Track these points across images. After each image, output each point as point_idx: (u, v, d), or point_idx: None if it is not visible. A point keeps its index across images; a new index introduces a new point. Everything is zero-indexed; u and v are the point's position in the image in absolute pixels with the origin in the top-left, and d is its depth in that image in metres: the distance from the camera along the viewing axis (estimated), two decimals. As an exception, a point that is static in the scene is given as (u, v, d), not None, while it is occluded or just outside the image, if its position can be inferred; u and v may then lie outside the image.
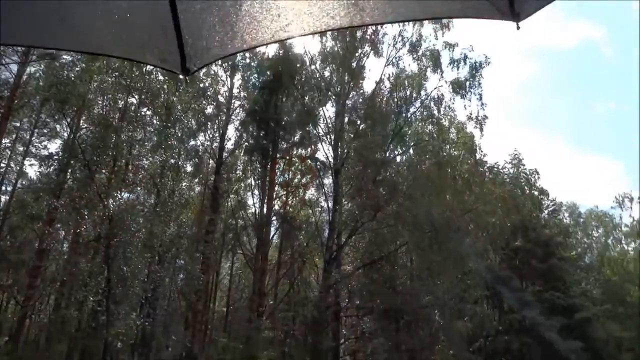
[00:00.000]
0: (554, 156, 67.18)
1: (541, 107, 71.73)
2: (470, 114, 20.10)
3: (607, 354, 27.03)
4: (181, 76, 1.92)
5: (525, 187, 31.16)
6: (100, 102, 15.34)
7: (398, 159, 20.56)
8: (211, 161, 19.34)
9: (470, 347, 24.68)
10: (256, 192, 18.32)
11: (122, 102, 15.48)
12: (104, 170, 14.17)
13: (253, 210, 18.68)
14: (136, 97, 15.64)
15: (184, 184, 17.20)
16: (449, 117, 22.70)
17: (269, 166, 17.80)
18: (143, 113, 15.80)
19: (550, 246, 28.30)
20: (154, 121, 16.08)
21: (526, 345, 25.80)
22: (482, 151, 25.75)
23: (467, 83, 19.24)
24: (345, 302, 18.51)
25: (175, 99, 15.18)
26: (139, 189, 15.49)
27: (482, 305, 26.65)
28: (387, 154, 19.03)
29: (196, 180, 18.92)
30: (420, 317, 18.22)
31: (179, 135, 16.60)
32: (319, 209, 20.61)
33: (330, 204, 18.64)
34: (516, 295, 25.93)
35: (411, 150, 21.11)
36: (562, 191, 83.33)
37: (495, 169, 26.63)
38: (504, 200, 22.45)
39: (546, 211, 34.35)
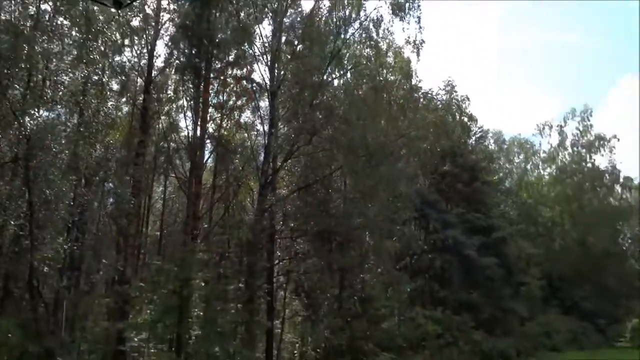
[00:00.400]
0: (484, 84, 69.41)
1: (476, 34, 72.89)
2: (408, 37, 19.94)
3: (518, 269, 29.82)
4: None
5: (456, 114, 32.18)
6: (7, 7, 13.62)
7: (335, 82, 20.30)
8: (139, 79, 18.13)
9: (397, 265, 26.30)
10: (189, 113, 17.50)
11: (34, 9, 13.83)
12: (17, 86, 12.90)
13: (186, 132, 17.98)
14: (50, 4, 14.04)
15: (109, 103, 16.10)
16: (387, 40, 22.50)
17: (202, 87, 16.92)
18: (59, 22, 14.24)
19: (475, 171, 29.93)
20: (73, 33, 14.59)
21: (448, 262, 27.87)
22: (417, 77, 26.05)
23: (407, 5, 18.89)
24: (280, 225, 18.84)
25: (96, 8, 13.76)
26: (59, 107, 14.33)
27: (409, 226, 28.11)
28: (325, 77, 18.68)
29: (123, 99, 17.75)
30: (352, 238, 18.96)
31: (102, 49, 15.30)
32: (255, 133, 20.26)
33: (266, 128, 18.35)
34: (441, 217, 27.57)
35: (349, 74, 20.89)
36: (489, 118, 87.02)
37: (429, 95, 27.14)
38: (436, 126, 23.15)
39: (473, 137, 35.88)
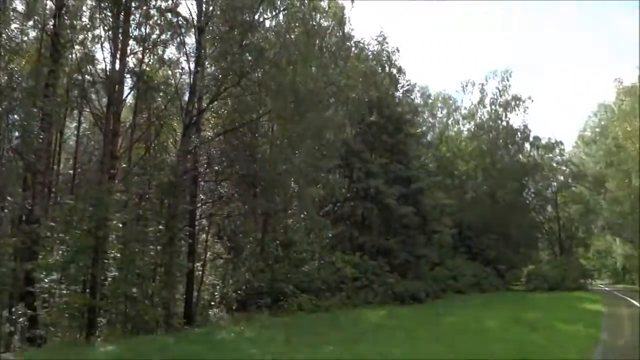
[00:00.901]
0: (414, 39, 70.20)
1: (410, -14, 72.71)
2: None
3: (432, 217, 31.56)
4: None
5: (386, 65, 32.46)
6: None
7: (267, 23, 19.55)
8: (49, 2, 16.37)
9: (320, 211, 26.89)
10: (107, 45, 16.18)
11: None
12: None
13: (103, 65, 16.67)
14: None
15: (13, 26, 14.47)
16: (321, -19, 21.89)
17: (122, 16, 15.60)
18: None
19: (400, 123, 30.69)
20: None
21: (369, 210, 28.86)
22: (350, 25, 25.77)
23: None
24: (203, 168, 18.44)
25: None
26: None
27: (334, 174, 28.61)
28: (256, 17, 17.93)
29: (30, 22, 16.00)
30: (277, 183, 19.00)
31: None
32: (180, 71, 19.23)
33: (192, 66, 17.48)
34: (365, 166, 28.28)
35: (281, 16, 20.18)
36: (417, 73, 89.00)
37: (361, 44, 27.04)
38: (366, 76, 23.26)
39: (401, 90, 36.52)
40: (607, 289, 50.56)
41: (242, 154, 17.83)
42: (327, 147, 22.43)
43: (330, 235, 26.61)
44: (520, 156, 47.63)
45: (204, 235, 19.74)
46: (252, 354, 9.76)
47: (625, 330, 15.81)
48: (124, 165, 16.63)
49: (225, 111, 18.76)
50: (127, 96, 17.11)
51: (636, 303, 27.34)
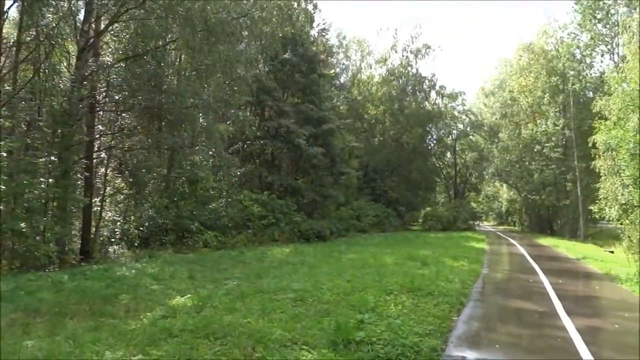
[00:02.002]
0: (333, -25, 68.33)
1: None
2: None
3: (340, 159, 32.27)
4: None
5: (302, 1, 31.55)
6: None
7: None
8: None
9: (229, 149, 26.39)
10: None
11: None
12: None
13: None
14: None
15: None
16: None
17: None
18: None
19: (313, 63, 30.37)
20: None
21: (279, 149, 28.86)
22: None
23: None
24: (102, 96, 17.05)
25: None
26: None
27: (245, 111, 27.97)
28: None
29: None
30: (184, 117, 18.15)
31: None
32: (74, -16, 17.18)
33: (88, -20, 15.69)
34: (277, 105, 27.92)
35: None
36: (333, 14, 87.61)
37: (277, -24, 25.80)
38: (280, 10, 22.37)
39: (316, 28, 35.90)
40: (492, 229, 55.94)
41: (145, 83, 16.65)
42: (237, 83, 21.62)
43: (238, 173, 26.35)
44: (427, 103, 49.61)
45: (103, 169, 18.58)
46: (153, 290, 9.58)
47: (502, 266, 17.68)
48: (8, 88, 14.88)
49: (127, 35, 17.23)
50: (9, 8, 15.06)
51: (514, 242, 30.56)
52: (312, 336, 6.11)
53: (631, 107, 18.93)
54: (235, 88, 22.07)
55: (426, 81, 48.90)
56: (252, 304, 7.99)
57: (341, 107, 42.82)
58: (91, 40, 15.52)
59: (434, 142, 53.60)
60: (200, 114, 19.92)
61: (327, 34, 38.95)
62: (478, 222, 54.52)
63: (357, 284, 10.15)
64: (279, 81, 28.91)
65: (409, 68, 48.21)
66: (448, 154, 57.59)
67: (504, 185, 57.10)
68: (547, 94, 38.87)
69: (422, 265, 14.18)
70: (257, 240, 22.93)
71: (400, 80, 47.75)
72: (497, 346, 6.47)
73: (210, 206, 22.51)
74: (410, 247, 21.94)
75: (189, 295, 8.86)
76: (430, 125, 50.00)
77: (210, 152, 22.01)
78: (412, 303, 8.45)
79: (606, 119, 21.55)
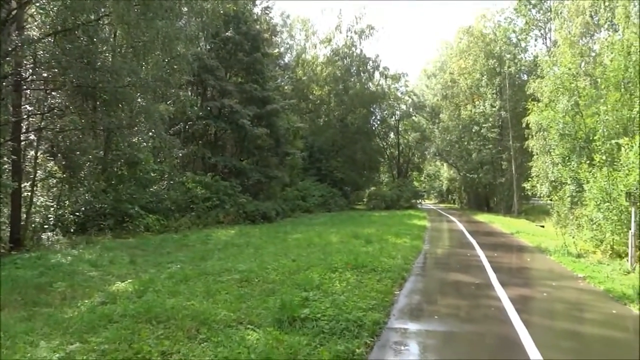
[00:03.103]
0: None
1: None
2: None
3: (285, 140, 32.13)
4: None
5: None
6: None
7: None
8: None
9: (170, 130, 25.62)
10: None
11: None
12: None
13: None
14: None
15: None
16: None
17: None
18: None
19: (257, 41, 29.79)
20: None
21: (222, 129, 28.32)
22: None
23: None
24: (29, 73, 15.95)
25: None
26: None
27: (186, 90, 27.18)
28: None
29: None
30: (121, 97, 17.34)
31: None
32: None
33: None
34: (219, 84, 27.27)
35: None
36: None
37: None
38: (221, -15, 21.73)
39: (259, 6, 35.20)
40: (433, 207, 57.89)
41: (77, 60, 15.69)
42: (177, 61, 20.84)
43: (180, 154, 25.66)
44: (370, 84, 50.13)
45: (33, 151, 17.50)
46: (91, 277, 9.21)
47: (442, 241, 18.38)
48: None
49: (55, 8, 16.13)
50: None
51: (453, 219, 31.78)
52: (257, 315, 6.11)
53: (561, 89, 19.95)
54: (175, 66, 21.25)
55: (370, 62, 49.33)
56: (196, 287, 7.86)
57: (285, 88, 42.49)
58: (14, 12, 14.42)
59: (378, 122, 54.38)
60: (139, 94, 19.11)
61: (270, 12, 38.33)
62: (420, 200, 56.22)
63: (302, 263, 10.22)
64: (221, 60, 28.19)
65: (353, 49, 48.45)
66: (391, 135, 58.67)
67: (445, 164, 59.06)
68: (485, 76, 40.31)
69: (366, 243, 14.47)
70: (202, 222, 22.53)
71: (345, 61, 47.91)
72: (436, 317, 6.75)
73: (151, 189, 21.81)
74: (355, 225, 22.32)
75: (130, 280, 8.60)
76: (374, 105, 50.62)
77: (150, 133, 21.22)
78: (356, 279, 8.62)
79: (538, 101, 22.66)
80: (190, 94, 27.20)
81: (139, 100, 19.29)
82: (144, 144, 21.52)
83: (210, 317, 5.87)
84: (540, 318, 6.90)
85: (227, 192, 25.17)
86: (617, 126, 16.74)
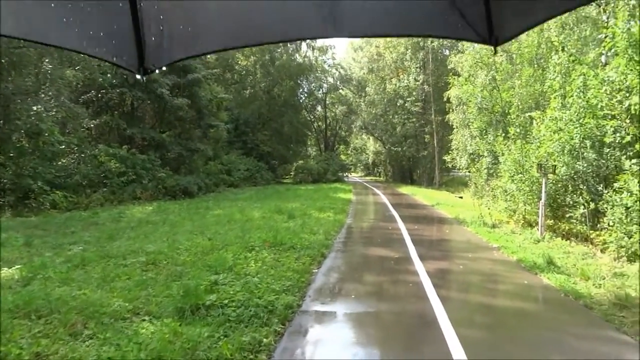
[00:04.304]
0: None
1: None
2: None
3: (208, 111, 30.79)
4: (138, 76, 1.85)
5: None
6: None
7: None
8: None
9: (80, 98, 23.66)
10: None
11: None
12: None
13: None
14: None
15: None
16: None
17: None
18: None
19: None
20: None
21: (139, 99, 26.58)
22: None
23: None
24: None
25: None
26: None
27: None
28: None
29: None
30: (18, 59, 15.57)
31: None
32: None
33: None
34: (135, 51, 25.39)
35: None
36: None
37: None
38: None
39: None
40: (360, 180, 58.77)
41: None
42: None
43: (92, 125, 23.82)
44: (297, 56, 49.21)
45: None
46: (-26, 262, 8.10)
47: (365, 215, 18.43)
48: None
49: None
50: None
51: (378, 191, 32.27)
52: (157, 304, 5.51)
53: (480, 64, 20.41)
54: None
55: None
56: (94, 272, 7.09)
57: (208, 57, 40.61)
58: None
59: (306, 95, 53.80)
60: (42, 57, 17.28)
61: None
62: (347, 173, 56.82)
63: (218, 241, 9.66)
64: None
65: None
66: (319, 108, 58.37)
67: (371, 137, 59.77)
68: (410, 50, 40.77)
69: (288, 218, 14.11)
70: (117, 199, 21.11)
71: (271, 31, 46.50)
72: (353, 296, 6.49)
73: (58, 163, 20.05)
74: (280, 200, 21.91)
75: (19, 266, 7.63)
76: (301, 78, 49.87)
77: (57, 103, 19.36)
78: (273, 258, 8.22)
79: (459, 75, 23.15)
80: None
81: (43, 64, 17.48)
82: (47, 113, 19.62)
83: (101, 309, 5.21)
84: (457, 292, 6.89)
85: (144, 166, 23.75)
86: (530, 101, 17.42)
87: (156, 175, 23.87)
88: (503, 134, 16.18)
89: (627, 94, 8.77)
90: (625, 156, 8.96)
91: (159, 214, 16.49)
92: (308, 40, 49.43)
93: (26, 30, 1.81)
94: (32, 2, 1.68)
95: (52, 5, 1.69)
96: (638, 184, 8.11)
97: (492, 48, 1.83)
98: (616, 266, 8.02)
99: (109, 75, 24.41)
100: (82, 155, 22.18)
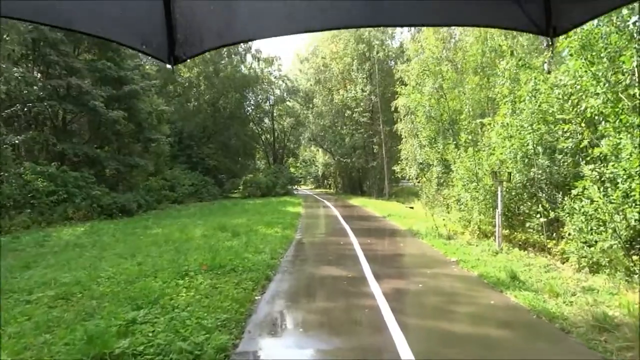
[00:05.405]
0: None
1: None
2: None
3: (148, 124, 29.15)
4: (168, 65, 1.82)
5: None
6: None
7: None
8: None
9: (4, 112, 21.74)
10: None
11: None
12: None
13: None
14: None
15: None
16: None
17: None
18: None
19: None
20: None
21: (70, 112, 24.77)
22: None
23: None
24: None
25: None
26: None
27: (23, 66, 23.20)
28: None
29: None
30: None
31: None
32: None
33: None
34: (64, 61, 23.64)
35: None
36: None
37: None
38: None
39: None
40: (310, 192, 58.04)
41: None
42: (7, 30, 17.37)
43: (16, 142, 21.81)
44: (243, 67, 48.17)
45: None
46: None
47: (315, 229, 17.55)
48: None
49: None
50: None
51: (328, 204, 31.58)
52: (52, 356, 4.38)
53: (427, 72, 20.21)
54: (6, 37, 17.72)
55: (241, 44, 47.25)
56: (-13, 312, 5.82)
57: (147, 68, 38.83)
58: None
59: (252, 107, 52.67)
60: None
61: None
62: (296, 186, 55.93)
63: (148, 266, 8.50)
64: (67, 34, 24.41)
65: (224, 29, 45.93)
66: (266, 120, 57.30)
67: (320, 149, 59.29)
68: (356, 61, 40.66)
69: (232, 236, 13.05)
70: (45, 220, 19.30)
71: (215, 42, 45.27)
72: (301, 330, 5.57)
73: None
74: (225, 216, 20.73)
75: None
76: (247, 90, 48.78)
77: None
78: (209, 284, 7.17)
79: (406, 85, 22.95)
80: (27, 70, 23.20)
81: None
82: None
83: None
84: (418, 318, 6.07)
85: (77, 184, 21.93)
86: (478, 109, 17.28)
87: (90, 194, 22.10)
88: (454, 142, 15.85)
89: (584, 97, 8.41)
90: (584, 162, 8.58)
91: (90, 236, 15.04)
92: (253, 51, 48.64)
93: (52, 16, 1.72)
94: None
95: None
96: (598, 191, 7.71)
97: (548, 39, 1.69)
98: (581, 279, 7.54)
99: (35, 87, 22.54)
100: (6, 174, 20.20)
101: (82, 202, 21.53)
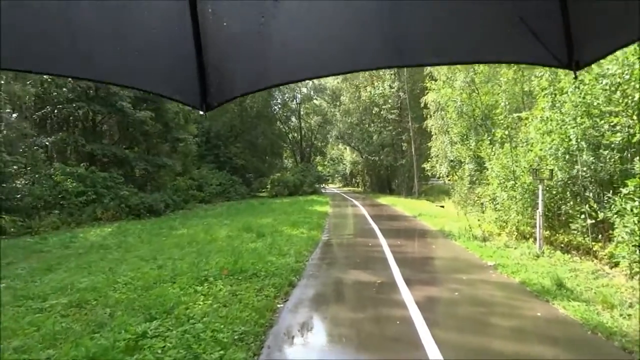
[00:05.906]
0: None
1: None
2: None
3: (175, 123, 29.18)
4: (201, 112, 1.85)
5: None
6: None
7: None
8: None
9: (34, 115, 22.12)
10: None
11: None
12: None
13: None
14: None
15: None
16: None
17: None
18: None
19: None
20: None
21: (99, 113, 24.95)
22: None
23: None
24: None
25: None
26: None
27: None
28: None
29: None
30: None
31: None
32: None
33: None
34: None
35: None
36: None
37: None
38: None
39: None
40: (338, 191, 57.51)
41: None
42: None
43: (47, 143, 22.09)
44: (269, 66, 47.99)
45: None
46: None
47: (343, 229, 17.02)
48: None
49: None
50: None
51: (356, 203, 31.00)
52: (53, 375, 4.05)
53: (458, 66, 19.45)
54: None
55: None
56: (-4, 322, 5.56)
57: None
58: None
59: (279, 106, 52.52)
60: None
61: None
62: (324, 185, 55.51)
63: (168, 270, 8.17)
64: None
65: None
66: (293, 118, 57.12)
67: (347, 147, 58.70)
68: (384, 57, 39.89)
69: (257, 237, 12.68)
70: (75, 221, 19.41)
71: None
72: (324, 345, 5.08)
73: (11, 185, 18.32)
74: (252, 215, 20.45)
75: None
76: (274, 88, 48.60)
77: (4, 123, 17.71)
78: (229, 291, 6.77)
79: (436, 80, 22.20)
80: (55, 72, 23.40)
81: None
82: (-4, 132, 17.95)
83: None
84: (457, 334, 5.46)
85: (105, 184, 22.04)
86: (512, 103, 16.45)
87: (118, 194, 22.17)
88: (488, 138, 15.07)
89: (636, 86, 7.65)
90: (638, 157, 7.80)
91: (117, 237, 14.93)
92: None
93: (87, 70, 1.71)
94: (92, 42, 1.59)
95: (112, 42, 1.63)
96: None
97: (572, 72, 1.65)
98: (635, 287, 6.82)
99: (64, 89, 22.77)
100: (36, 175, 20.44)
101: (111, 202, 21.61)
